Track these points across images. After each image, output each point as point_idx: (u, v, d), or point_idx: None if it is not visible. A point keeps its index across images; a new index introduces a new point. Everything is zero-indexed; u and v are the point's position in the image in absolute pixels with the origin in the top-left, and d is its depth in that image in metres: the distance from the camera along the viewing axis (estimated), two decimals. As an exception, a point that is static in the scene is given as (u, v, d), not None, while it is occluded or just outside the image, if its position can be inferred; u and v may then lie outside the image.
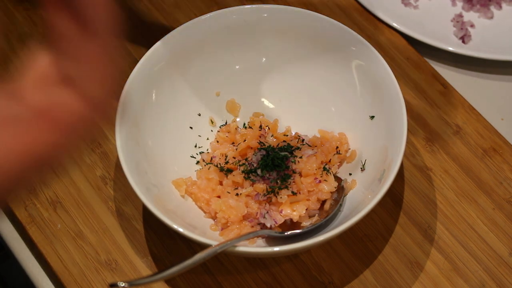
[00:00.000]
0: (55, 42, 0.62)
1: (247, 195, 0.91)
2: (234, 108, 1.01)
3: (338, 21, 0.97)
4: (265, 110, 1.01)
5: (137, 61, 0.94)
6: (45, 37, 1.09)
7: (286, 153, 0.93)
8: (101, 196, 0.97)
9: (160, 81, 0.96)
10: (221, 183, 0.94)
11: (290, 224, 0.91)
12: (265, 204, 0.91)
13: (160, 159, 0.94)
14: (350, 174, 0.95)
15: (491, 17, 1.13)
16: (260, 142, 0.95)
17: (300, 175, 0.92)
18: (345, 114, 0.98)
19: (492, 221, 0.95)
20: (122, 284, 0.76)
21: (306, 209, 0.91)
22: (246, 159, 0.94)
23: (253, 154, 0.93)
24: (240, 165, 0.93)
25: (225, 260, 0.93)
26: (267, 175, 0.91)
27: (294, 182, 0.91)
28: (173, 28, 0.97)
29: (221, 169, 0.94)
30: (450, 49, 1.07)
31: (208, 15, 0.97)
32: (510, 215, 0.96)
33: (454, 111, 1.04)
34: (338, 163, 0.95)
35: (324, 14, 0.98)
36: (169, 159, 0.95)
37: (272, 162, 0.91)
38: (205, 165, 0.96)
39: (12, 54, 1.08)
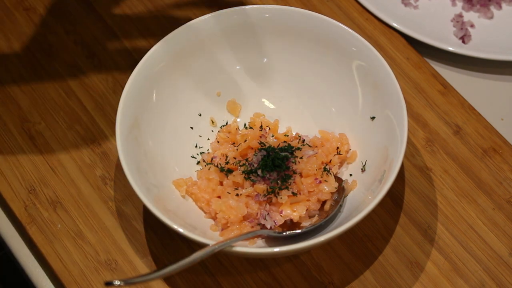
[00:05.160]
0: None
1: (248, 196, 0.91)
2: (235, 108, 1.01)
3: (338, 21, 0.97)
4: (265, 111, 1.01)
5: (138, 62, 0.94)
6: (44, 37, 1.09)
7: (286, 153, 0.93)
8: (101, 196, 0.97)
9: (160, 82, 0.96)
10: (221, 184, 0.94)
11: (290, 224, 0.91)
12: (265, 204, 0.91)
13: (160, 159, 0.94)
14: (351, 174, 0.95)
15: (491, 17, 1.13)
16: (261, 143, 0.95)
17: (301, 175, 0.92)
18: (346, 115, 0.98)
19: (492, 221, 0.96)
20: (117, 282, 0.76)
21: (306, 210, 0.91)
22: (246, 160, 0.94)
23: (254, 155, 0.93)
24: (240, 166, 0.93)
25: (225, 261, 0.93)
26: (268, 175, 0.91)
27: (294, 182, 0.91)
28: (173, 28, 0.97)
29: (222, 170, 0.94)
30: (450, 49, 1.07)
31: (208, 15, 0.97)
32: (510, 215, 0.96)
33: (454, 111, 1.04)
34: (339, 164, 0.95)
35: (324, 14, 0.98)
36: (169, 159, 0.95)
37: (273, 163, 0.91)
38: (205, 165, 0.96)
39: (12, 54, 1.08)
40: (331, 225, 0.91)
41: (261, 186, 0.91)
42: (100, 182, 0.98)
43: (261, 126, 0.98)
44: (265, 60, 1.01)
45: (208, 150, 0.98)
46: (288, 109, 1.01)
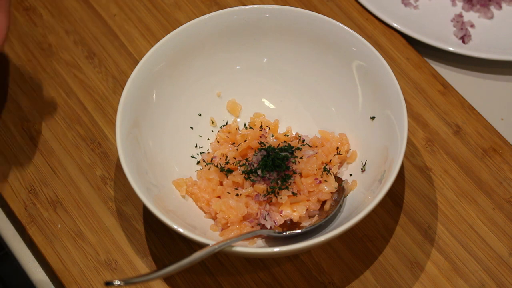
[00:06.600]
0: None
1: (247, 196, 0.91)
2: (235, 108, 1.01)
3: (338, 21, 0.97)
4: (265, 111, 1.01)
5: (138, 62, 0.94)
6: (44, 37, 1.09)
7: (286, 153, 0.93)
8: (101, 196, 0.97)
9: (160, 82, 0.96)
10: (221, 184, 0.94)
11: (290, 224, 0.91)
12: (265, 204, 0.91)
13: (160, 159, 0.94)
14: (351, 174, 0.95)
15: (491, 17, 1.13)
16: (261, 143, 0.95)
17: (301, 175, 0.92)
18: (346, 115, 0.98)
19: (492, 221, 0.96)
20: (117, 282, 0.76)
21: (306, 210, 0.91)
22: (246, 160, 0.94)
23: (254, 155, 0.93)
24: (240, 166, 0.93)
25: (225, 261, 0.93)
26: (268, 175, 0.91)
27: (294, 182, 0.91)
28: (173, 28, 0.97)
29: (222, 170, 0.94)
30: (450, 49, 1.07)
31: (208, 15, 0.97)
32: (510, 215, 0.96)
33: (454, 111, 1.04)
34: (339, 164, 0.95)
35: (324, 14, 0.98)
36: (169, 159, 0.95)
37: (273, 163, 0.91)
38: (205, 165, 0.96)
39: (12, 54, 1.08)
40: (331, 225, 0.91)
41: (261, 186, 0.91)
42: (100, 182, 0.98)
43: (261, 126, 0.98)
44: (265, 60, 1.01)
45: (208, 150, 0.98)
46: (288, 109, 1.01)
